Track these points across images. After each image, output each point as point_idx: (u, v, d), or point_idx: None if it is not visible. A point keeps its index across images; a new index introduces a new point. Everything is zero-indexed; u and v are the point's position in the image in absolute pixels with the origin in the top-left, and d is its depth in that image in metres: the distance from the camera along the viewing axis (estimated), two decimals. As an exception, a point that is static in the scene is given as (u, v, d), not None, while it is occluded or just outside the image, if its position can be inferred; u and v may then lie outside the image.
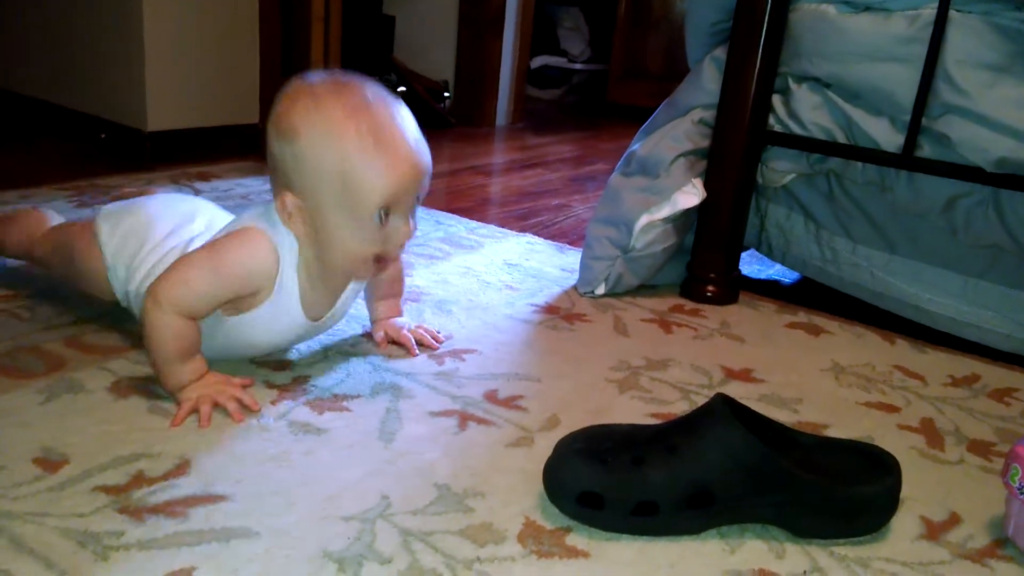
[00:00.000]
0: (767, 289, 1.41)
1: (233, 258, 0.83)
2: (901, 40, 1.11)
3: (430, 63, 2.94)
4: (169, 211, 0.98)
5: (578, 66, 3.87)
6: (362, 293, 1.01)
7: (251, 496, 0.71)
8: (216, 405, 0.83)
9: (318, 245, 0.84)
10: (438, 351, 1.03)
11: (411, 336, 1.02)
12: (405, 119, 0.82)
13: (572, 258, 1.43)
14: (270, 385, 0.90)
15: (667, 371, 1.04)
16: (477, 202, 1.84)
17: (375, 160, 0.78)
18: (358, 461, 0.78)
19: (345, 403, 0.88)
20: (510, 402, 0.92)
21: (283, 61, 1.95)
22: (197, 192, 1.65)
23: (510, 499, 0.74)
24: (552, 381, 0.99)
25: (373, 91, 0.82)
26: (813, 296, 1.35)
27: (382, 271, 0.89)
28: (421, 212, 1.60)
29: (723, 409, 0.73)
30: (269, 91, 2.00)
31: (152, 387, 0.87)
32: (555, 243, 1.55)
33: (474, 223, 1.62)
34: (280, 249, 0.84)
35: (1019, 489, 0.73)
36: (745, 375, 1.05)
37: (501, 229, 1.60)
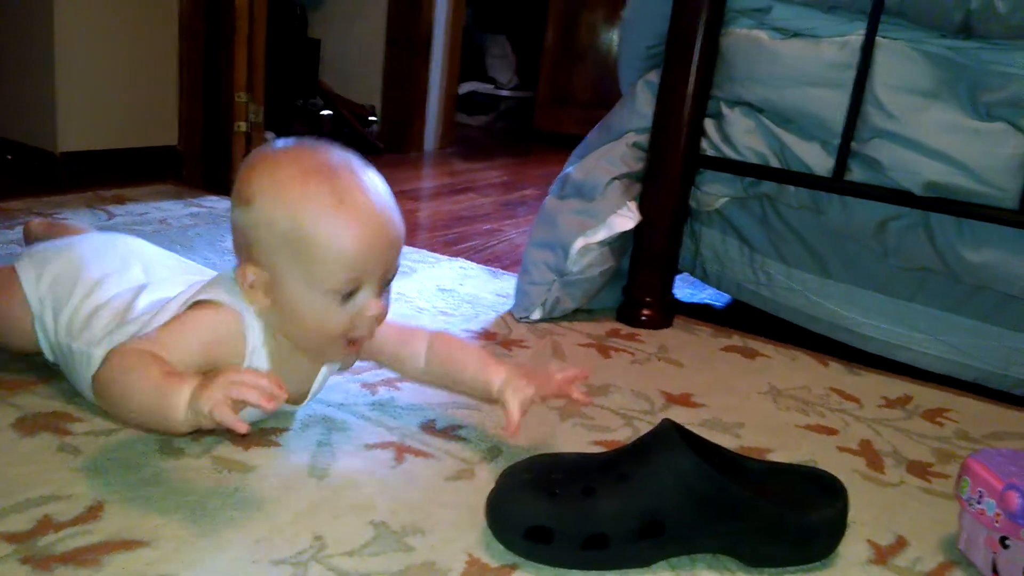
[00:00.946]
0: (700, 313, 1.41)
1: (196, 323, 0.75)
2: (831, 65, 1.13)
3: (357, 87, 2.90)
4: (101, 253, 0.89)
5: (505, 93, 3.89)
6: (335, 376, 0.90)
7: (173, 541, 0.66)
8: (236, 403, 0.66)
9: (281, 321, 0.76)
10: (371, 381, 0.98)
11: (564, 380, 0.85)
12: (373, 182, 0.74)
13: (507, 283, 1.41)
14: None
15: (608, 397, 1.02)
16: (408, 227, 1.78)
17: (335, 226, 0.70)
18: (289, 499, 0.73)
19: (274, 436, 0.83)
20: (448, 432, 0.88)
21: (204, 82, 1.89)
22: (111, 216, 1.57)
23: (452, 535, 0.70)
24: (492, 410, 0.95)
25: (338, 154, 0.75)
26: (746, 319, 1.36)
27: (353, 353, 0.79)
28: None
29: (672, 435, 0.71)
30: (189, 112, 1.93)
31: (63, 423, 0.81)
32: (489, 268, 1.52)
33: (405, 248, 1.58)
34: (244, 323, 0.76)
35: (968, 501, 0.73)
36: (685, 399, 1.04)
37: (433, 254, 1.57)
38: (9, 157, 1.84)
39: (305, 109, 2.71)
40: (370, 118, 2.82)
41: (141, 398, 0.68)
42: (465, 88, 3.73)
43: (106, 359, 0.72)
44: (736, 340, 1.27)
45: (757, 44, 1.19)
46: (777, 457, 0.91)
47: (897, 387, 1.15)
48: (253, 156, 0.76)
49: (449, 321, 1.22)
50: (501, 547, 0.69)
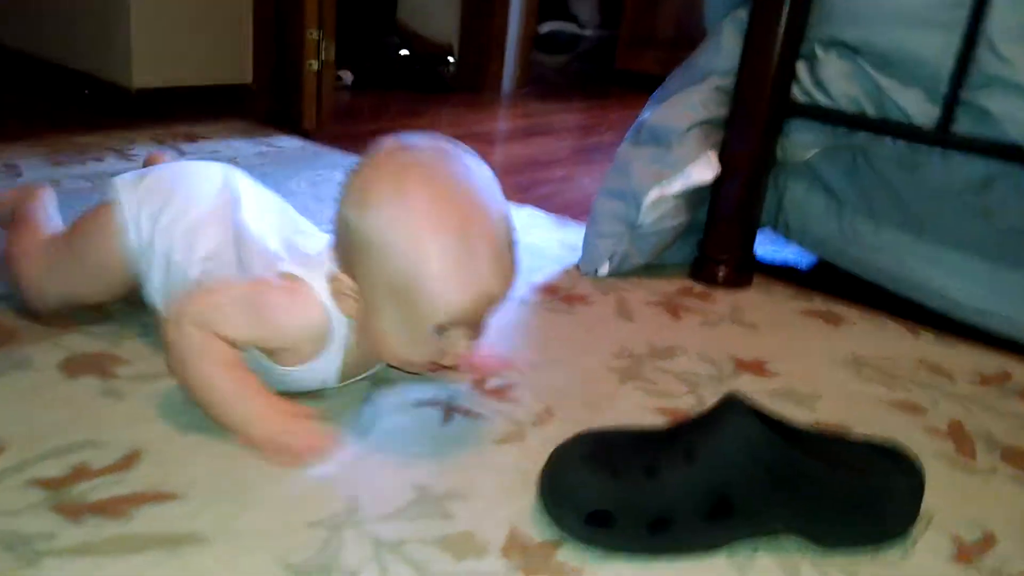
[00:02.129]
0: (782, 273, 1.32)
1: (280, 316, 0.72)
2: (942, 3, 1.02)
3: (434, 25, 2.83)
4: (201, 171, 0.88)
5: (587, 32, 3.75)
6: None
7: (205, 496, 0.64)
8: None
9: (366, 335, 0.73)
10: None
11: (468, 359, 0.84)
12: (499, 229, 0.68)
13: (575, 234, 1.34)
14: (238, 367, 0.82)
15: (673, 360, 0.96)
16: (477, 171, 1.74)
17: (450, 278, 0.65)
18: (328, 458, 0.70)
19: (318, 391, 0.80)
20: (500, 392, 0.84)
21: (276, 18, 1.85)
22: (182, 154, 1.57)
23: (496, 504, 0.67)
24: (548, 369, 0.90)
25: (474, 178, 0.69)
26: (831, 281, 1.26)
27: (436, 372, 0.79)
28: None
29: (740, 406, 0.65)
30: (262, 48, 1.91)
31: (110, 366, 0.80)
32: (557, 216, 1.46)
33: (473, 193, 1.53)
34: (331, 325, 0.73)
35: None
36: (758, 367, 0.97)
37: (501, 200, 1.51)
38: (87, 92, 1.86)
39: (382, 46, 2.66)
40: (447, 57, 2.75)
41: (210, 396, 0.71)
42: (546, 28, 3.62)
43: (168, 331, 0.71)
44: (818, 303, 1.18)
45: (858, -21, 1.07)
46: (856, 437, 0.84)
47: (994, 362, 1.05)
48: (380, 155, 0.69)
49: (511, 272, 1.17)
50: (546, 519, 0.65)
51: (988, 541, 0.70)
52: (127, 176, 0.87)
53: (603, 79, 3.41)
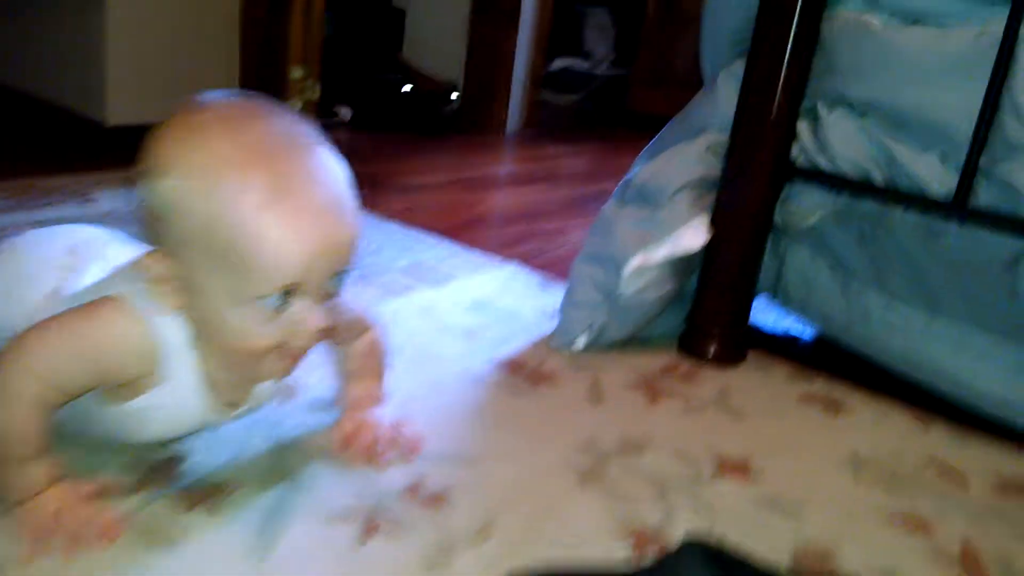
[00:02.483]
0: (781, 346, 1.20)
1: (96, 340, 0.61)
2: (960, 61, 0.90)
3: (439, 61, 2.75)
4: (43, 245, 0.76)
5: (600, 70, 3.67)
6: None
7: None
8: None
9: (198, 329, 0.62)
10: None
11: (369, 440, 0.77)
12: (323, 166, 0.59)
13: (555, 297, 1.23)
14: (136, 461, 0.71)
15: (644, 456, 0.84)
16: (463, 221, 1.64)
17: (269, 225, 0.55)
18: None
19: (223, 496, 0.69)
20: (435, 499, 0.73)
21: (262, 56, 1.77)
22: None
23: (401, 660, 0.55)
24: (496, 465, 0.79)
25: (282, 124, 0.59)
26: (834, 359, 1.14)
27: (287, 367, 0.64)
28: (389, 232, 1.43)
29: (698, 554, 0.53)
30: (249, 87, 1.83)
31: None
32: (541, 276, 1.35)
33: (451, 248, 1.43)
34: (155, 321, 0.62)
35: None
36: (742, 468, 0.85)
37: (481, 255, 1.41)
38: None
39: (384, 83, 2.58)
40: (450, 96, 2.67)
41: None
42: (557, 64, 3.54)
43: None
44: (818, 387, 1.06)
45: (868, 31, 0.97)
46: (847, 558, 0.72)
47: (1016, 466, 0.93)
48: (178, 117, 0.59)
49: (475, 345, 1.06)
50: None
51: None
52: None
53: (614, 120, 3.32)
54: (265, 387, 0.72)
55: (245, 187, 0.55)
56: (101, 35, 1.66)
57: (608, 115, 3.39)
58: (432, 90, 2.61)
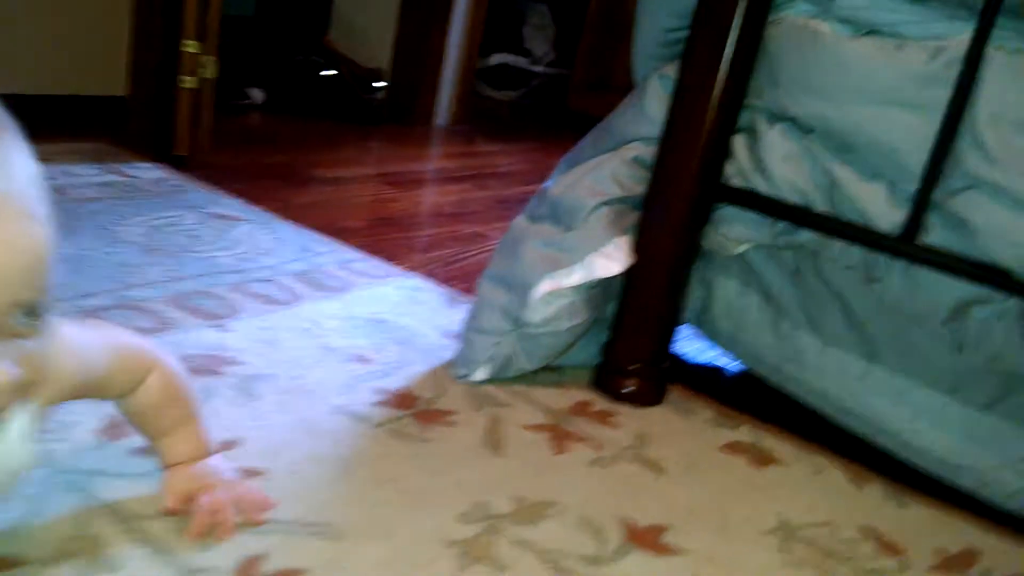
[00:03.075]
0: (706, 381, 1.09)
1: None
2: (917, 79, 0.80)
3: (365, 48, 2.59)
4: None
5: (539, 68, 3.55)
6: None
7: None
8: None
9: None
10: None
11: (208, 502, 0.63)
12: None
13: (461, 315, 1.10)
14: None
15: (542, 525, 0.71)
16: (370, 222, 1.50)
17: None
18: None
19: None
20: (275, 586, 0.59)
21: (160, 27, 1.59)
22: None
23: None
24: (363, 540, 0.65)
25: None
26: (764, 397, 1.03)
27: None
28: (286, 232, 1.28)
29: None
30: (141, 60, 1.64)
31: None
32: (448, 289, 1.21)
33: (353, 253, 1.28)
34: None
35: None
36: (653, 539, 0.73)
37: (384, 265, 1.26)
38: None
39: (302, 65, 2.41)
40: (375, 83, 2.51)
41: None
42: (495, 59, 3.40)
43: None
44: (744, 433, 0.95)
45: (816, 39, 0.85)
46: (771, 666, 0.60)
47: (959, 534, 0.83)
48: None
49: (361, 373, 0.92)
50: None
51: None
52: None
53: (555, 119, 3.20)
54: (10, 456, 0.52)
55: None
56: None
57: (547, 114, 3.27)
58: (357, 75, 2.45)
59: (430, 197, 1.80)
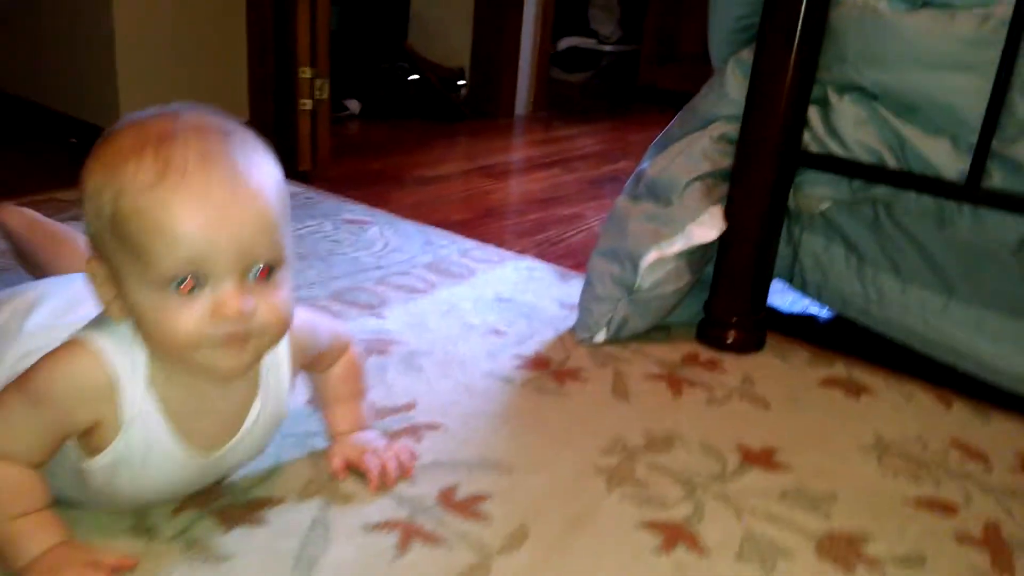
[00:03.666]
0: (801, 327, 1.21)
1: (47, 377, 0.60)
2: (969, 44, 0.91)
3: (445, 48, 2.75)
4: (61, 293, 0.75)
5: (608, 48, 3.65)
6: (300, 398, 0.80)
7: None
8: None
9: (139, 330, 0.60)
10: (396, 428, 0.86)
11: (375, 463, 0.77)
12: (227, 149, 0.58)
13: (575, 288, 1.24)
14: (176, 485, 0.74)
15: (671, 453, 0.86)
16: (479, 213, 1.66)
17: (155, 197, 0.55)
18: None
19: (263, 512, 0.72)
20: (470, 506, 0.75)
21: (273, 56, 1.78)
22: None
23: (445, 669, 0.58)
24: (528, 471, 0.81)
25: (199, 119, 0.59)
26: (854, 339, 1.15)
27: (236, 355, 0.60)
28: (408, 229, 1.45)
29: None
30: (259, 88, 1.84)
31: None
32: (558, 267, 1.36)
33: (470, 243, 1.44)
34: (112, 359, 0.61)
35: None
36: (766, 459, 0.87)
37: (499, 251, 1.42)
38: (74, 140, 1.80)
39: (391, 73, 2.59)
40: (459, 82, 2.67)
41: None
42: (564, 43, 3.52)
43: None
44: (839, 369, 1.07)
45: (875, 16, 0.97)
46: (875, 547, 0.74)
47: (1038, 441, 0.94)
48: (112, 127, 0.60)
49: (500, 343, 1.08)
50: None
51: None
52: None
53: (625, 96, 3.31)
54: (249, 433, 0.68)
55: (139, 170, 0.55)
56: (111, 44, 1.67)
57: (618, 92, 3.38)
58: (442, 76, 2.61)
59: (524, 185, 1.95)
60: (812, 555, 0.73)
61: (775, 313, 1.24)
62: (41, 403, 0.60)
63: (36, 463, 0.62)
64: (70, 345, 0.61)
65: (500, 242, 1.47)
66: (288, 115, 1.73)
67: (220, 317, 0.57)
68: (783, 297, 1.30)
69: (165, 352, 0.60)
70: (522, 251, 1.43)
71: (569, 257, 1.43)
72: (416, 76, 2.60)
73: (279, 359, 0.68)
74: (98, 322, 0.63)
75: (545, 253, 1.44)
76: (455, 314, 1.15)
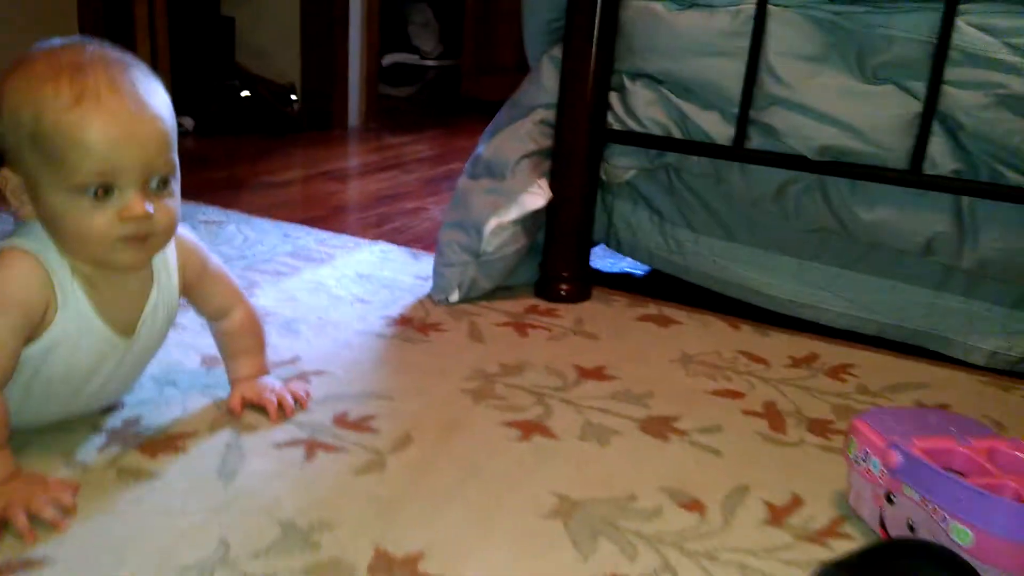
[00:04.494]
0: (620, 283, 1.43)
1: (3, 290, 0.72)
2: (726, 35, 1.15)
3: (275, 65, 2.84)
4: None
5: (430, 62, 3.84)
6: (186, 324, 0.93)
7: (77, 557, 0.66)
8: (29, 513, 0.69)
9: (50, 233, 0.73)
10: (285, 376, 0.99)
11: (273, 398, 0.89)
12: (131, 76, 0.70)
13: (426, 264, 1.41)
14: (96, 429, 0.84)
15: (522, 375, 1.04)
16: (329, 210, 1.79)
17: (73, 118, 0.67)
18: (195, 505, 0.74)
19: (181, 442, 0.83)
20: (360, 424, 0.90)
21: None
22: None
23: (359, 529, 0.72)
24: (405, 398, 0.96)
25: (102, 51, 0.71)
26: (663, 287, 1.39)
27: (138, 252, 0.73)
28: (265, 226, 1.56)
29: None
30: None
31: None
32: (409, 249, 1.52)
33: (325, 234, 1.58)
34: (43, 257, 0.73)
35: (855, 460, 0.77)
36: (598, 373, 1.06)
37: (353, 238, 1.56)
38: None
39: (222, 90, 2.66)
40: (291, 96, 2.77)
41: None
42: (388, 60, 3.68)
43: None
44: (651, 309, 1.30)
45: (655, 16, 1.20)
46: (684, 425, 0.94)
47: (804, 346, 1.19)
48: (15, 59, 0.72)
49: (367, 309, 1.22)
50: (408, 536, 0.71)
51: (795, 503, 0.81)
52: None
53: (451, 107, 3.51)
54: (151, 314, 0.80)
55: (57, 93, 0.67)
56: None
57: (443, 104, 3.57)
58: (274, 91, 2.70)
59: (366, 185, 2.09)
60: (637, 432, 0.92)
61: (598, 274, 1.46)
62: (3, 308, 0.71)
63: (2, 380, 0.71)
64: (5, 254, 0.73)
65: (353, 232, 1.60)
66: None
67: (127, 219, 0.70)
68: (603, 261, 1.52)
69: (77, 249, 0.73)
70: (375, 239, 1.57)
71: (417, 242, 1.59)
72: (248, 93, 2.68)
73: (167, 256, 0.82)
74: (16, 232, 0.74)
75: (395, 239, 1.59)
76: (322, 290, 1.28)
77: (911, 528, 0.72)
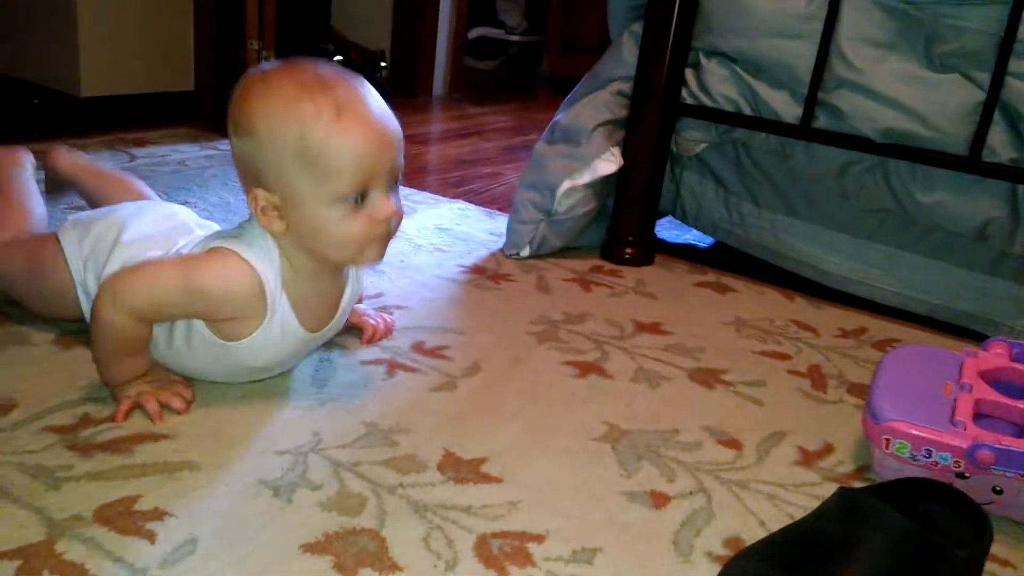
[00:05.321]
0: (683, 252, 1.50)
1: (210, 280, 0.77)
2: (800, 18, 1.21)
3: (367, 32, 2.96)
4: (142, 215, 0.93)
5: (515, 38, 3.92)
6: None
7: (192, 435, 0.78)
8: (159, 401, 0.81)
9: (303, 241, 0.78)
10: (372, 308, 1.09)
11: (373, 323, 1.00)
12: (367, 90, 0.77)
13: (501, 223, 1.50)
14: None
15: (583, 324, 1.13)
16: (413, 170, 1.90)
17: (337, 133, 0.72)
18: (293, 403, 0.85)
19: (281, 355, 0.95)
20: (435, 351, 1.00)
21: (219, 29, 1.97)
22: (132, 158, 1.68)
23: (432, 435, 0.82)
24: (475, 334, 1.06)
25: (328, 68, 0.77)
26: (724, 259, 1.45)
27: (380, 252, 0.80)
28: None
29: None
30: (204, 58, 2.02)
31: (95, 340, 0.93)
32: (486, 209, 1.62)
33: (409, 190, 1.68)
34: (260, 270, 0.78)
35: (910, 458, 0.78)
36: (654, 328, 1.14)
37: (435, 196, 1.67)
38: (36, 101, 1.95)
39: (317, 53, 2.79)
40: (380, 63, 2.89)
41: (97, 350, 0.80)
42: (475, 33, 3.78)
43: (100, 294, 0.78)
44: (710, 276, 1.37)
45: (733, -3, 1.26)
46: (730, 377, 1.02)
47: (854, 320, 1.25)
48: (245, 85, 0.76)
49: (444, 257, 1.33)
50: (474, 443, 0.81)
51: (827, 450, 0.88)
52: (75, 223, 0.92)
53: (532, 83, 3.59)
54: (340, 316, 0.88)
55: (317, 110, 0.73)
56: (73, 19, 1.83)
57: (525, 79, 3.65)
58: (365, 57, 2.82)
59: (449, 150, 2.20)
60: (685, 379, 1.00)
61: (663, 243, 1.53)
62: (196, 295, 0.78)
63: (164, 319, 0.81)
64: (225, 255, 0.78)
65: (434, 191, 1.71)
66: (229, 84, 1.92)
67: (383, 221, 0.77)
68: (669, 232, 1.60)
69: (336, 254, 0.79)
70: (454, 198, 1.68)
71: (493, 203, 1.69)
72: (340, 57, 2.81)
73: None
74: (234, 237, 0.80)
75: (472, 199, 1.69)
76: (403, 239, 1.39)
77: (997, 492, 0.77)
